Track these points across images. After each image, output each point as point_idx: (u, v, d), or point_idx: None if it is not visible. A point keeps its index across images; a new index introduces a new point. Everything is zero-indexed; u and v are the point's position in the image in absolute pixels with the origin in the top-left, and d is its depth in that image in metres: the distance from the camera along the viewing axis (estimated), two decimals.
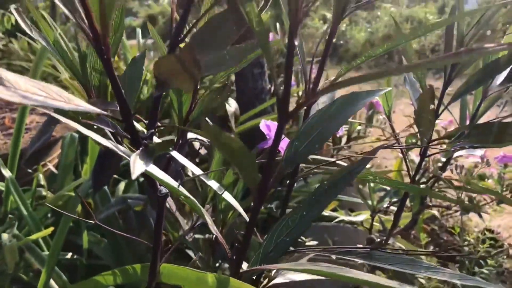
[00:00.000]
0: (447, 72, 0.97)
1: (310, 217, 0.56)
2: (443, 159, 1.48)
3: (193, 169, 0.69)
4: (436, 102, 1.01)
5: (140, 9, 17.09)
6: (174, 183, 0.50)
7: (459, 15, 0.76)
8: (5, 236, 1.20)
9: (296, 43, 0.42)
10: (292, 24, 0.40)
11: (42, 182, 1.47)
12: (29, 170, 1.71)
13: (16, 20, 6.64)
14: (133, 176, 0.41)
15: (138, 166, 0.43)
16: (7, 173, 1.29)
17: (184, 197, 0.50)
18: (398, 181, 0.77)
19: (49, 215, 1.44)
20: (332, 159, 0.82)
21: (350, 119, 2.40)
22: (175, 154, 0.65)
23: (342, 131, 1.98)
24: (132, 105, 0.63)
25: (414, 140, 1.06)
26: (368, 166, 2.30)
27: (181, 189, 0.50)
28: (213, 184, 0.71)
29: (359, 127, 2.12)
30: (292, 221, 0.57)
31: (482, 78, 0.94)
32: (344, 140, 1.99)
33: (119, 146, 0.47)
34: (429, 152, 1.05)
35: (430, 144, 0.94)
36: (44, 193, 1.52)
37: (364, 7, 0.71)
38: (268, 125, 0.97)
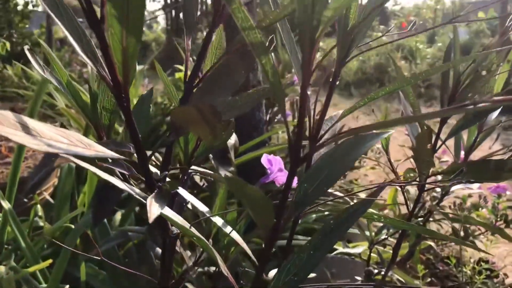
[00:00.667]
0: (444, 107, 0.99)
1: (317, 257, 0.57)
2: (438, 189, 1.50)
3: (199, 207, 0.70)
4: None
5: None
6: (186, 224, 0.51)
7: (456, 61, 0.78)
8: (1, 268, 1.19)
9: (308, 92, 0.44)
10: (305, 77, 0.42)
11: (40, 213, 1.47)
12: (25, 200, 1.71)
13: (11, 46, 6.68)
14: (150, 220, 0.42)
15: (154, 209, 0.44)
16: (6, 204, 1.28)
17: (197, 238, 0.51)
18: (401, 220, 0.79)
19: (45, 245, 1.44)
20: (339, 194, 0.83)
21: None
22: (182, 191, 0.66)
23: None
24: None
25: (412, 174, 1.07)
26: (363, 195, 2.31)
27: (193, 230, 0.51)
28: (218, 221, 0.72)
29: None
30: (299, 260, 0.57)
31: (478, 114, 0.97)
32: None
33: (135, 189, 0.48)
34: (427, 186, 1.07)
35: (428, 181, 0.96)
36: (41, 223, 1.51)
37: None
38: (269, 160, 0.99)
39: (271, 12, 0.50)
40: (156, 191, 0.47)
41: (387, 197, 2.09)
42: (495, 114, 1.06)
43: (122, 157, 0.44)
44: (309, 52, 0.41)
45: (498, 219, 2.08)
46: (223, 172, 1.29)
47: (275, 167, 0.99)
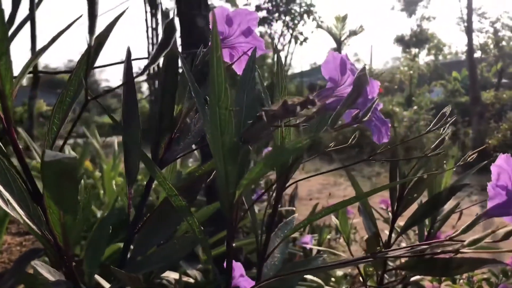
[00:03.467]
0: (394, 207, 1.06)
1: None
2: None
3: None
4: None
5: (118, 106, 17.43)
6: None
7: (395, 182, 0.86)
8: None
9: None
10: (229, 233, 0.47)
11: None
12: None
13: None
14: None
15: None
16: None
17: None
18: None
19: None
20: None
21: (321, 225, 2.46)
22: None
23: (312, 241, 2.03)
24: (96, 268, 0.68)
25: (371, 269, 1.12)
26: (340, 272, 2.30)
27: None
28: None
29: (329, 236, 2.18)
30: None
31: (427, 211, 1.03)
32: (314, 251, 2.04)
33: None
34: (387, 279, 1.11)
35: (384, 276, 1.00)
36: None
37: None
38: (237, 267, 1.03)
39: (195, 167, 0.56)
40: None
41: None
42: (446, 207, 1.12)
43: None
44: (229, 213, 0.46)
45: None
46: (190, 272, 1.32)
47: (237, 272, 1.02)
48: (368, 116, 0.44)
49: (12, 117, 0.44)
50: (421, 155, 0.64)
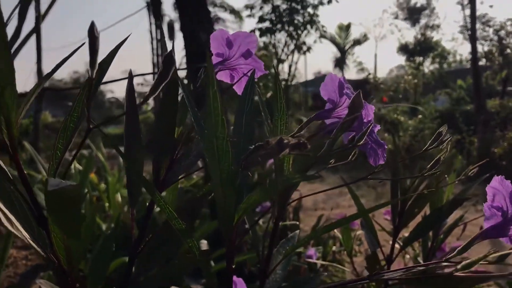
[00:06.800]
0: (395, 223, 1.06)
1: None
2: None
3: None
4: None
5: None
6: None
7: (395, 200, 0.87)
8: None
9: None
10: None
11: None
12: None
13: None
14: None
15: None
16: None
17: None
18: None
19: None
20: None
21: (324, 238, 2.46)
22: None
23: (316, 255, 2.03)
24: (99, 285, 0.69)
25: (374, 283, 1.12)
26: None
27: None
28: None
29: (334, 248, 2.18)
30: None
31: (428, 225, 1.03)
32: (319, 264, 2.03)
33: None
34: None
35: None
36: None
37: None
38: (235, 281, 1.03)
39: (198, 179, 0.57)
40: None
41: None
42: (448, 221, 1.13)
43: None
44: (229, 235, 0.47)
45: None
46: (195, 287, 1.32)
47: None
48: (363, 140, 0.45)
49: (17, 141, 0.45)
50: (418, 175, 0.65)
